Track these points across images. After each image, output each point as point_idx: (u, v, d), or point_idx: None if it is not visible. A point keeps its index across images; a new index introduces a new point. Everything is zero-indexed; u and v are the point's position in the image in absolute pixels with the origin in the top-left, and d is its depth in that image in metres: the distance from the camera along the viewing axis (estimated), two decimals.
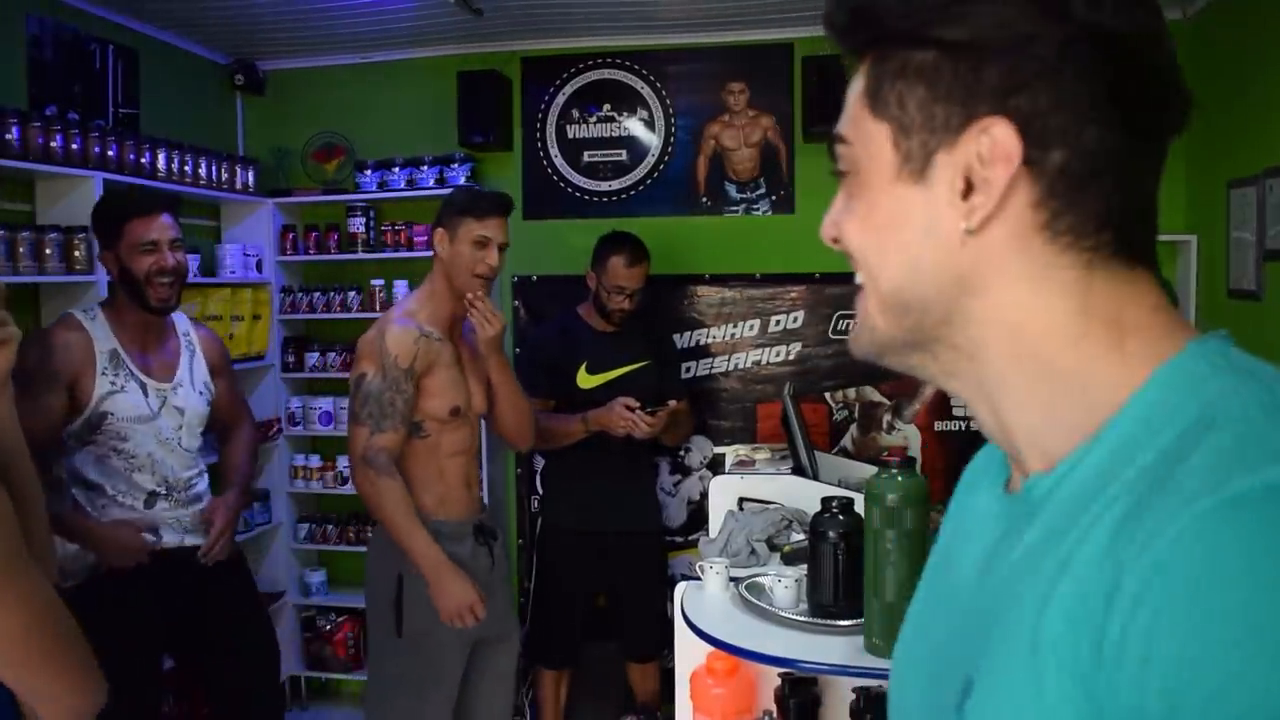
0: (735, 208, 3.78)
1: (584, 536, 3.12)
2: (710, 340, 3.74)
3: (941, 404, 3.63)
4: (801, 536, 2.35)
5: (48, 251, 2.74)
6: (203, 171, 3.46)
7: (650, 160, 3.81)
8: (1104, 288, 0.55)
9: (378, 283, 3.80)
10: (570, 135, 3.86)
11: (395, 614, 2.33)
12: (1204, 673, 0.43)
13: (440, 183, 3.73)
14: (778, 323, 3.70)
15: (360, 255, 3.78)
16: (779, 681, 1.96)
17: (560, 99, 3.85)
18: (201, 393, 2.59)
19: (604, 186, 3.85)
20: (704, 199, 3.79)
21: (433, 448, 2.38)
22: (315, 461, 3.86)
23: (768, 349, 3.71)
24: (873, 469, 2.73)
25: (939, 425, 3.64)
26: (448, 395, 2.37)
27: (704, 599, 2.06)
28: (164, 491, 2.45)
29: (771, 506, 2.55)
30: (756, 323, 3.71)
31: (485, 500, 2.63)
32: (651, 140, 3.81)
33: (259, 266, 3.76)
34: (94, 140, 2.94)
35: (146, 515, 2.40)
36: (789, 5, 3.39)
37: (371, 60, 3.95)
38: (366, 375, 2.28)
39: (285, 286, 3.84)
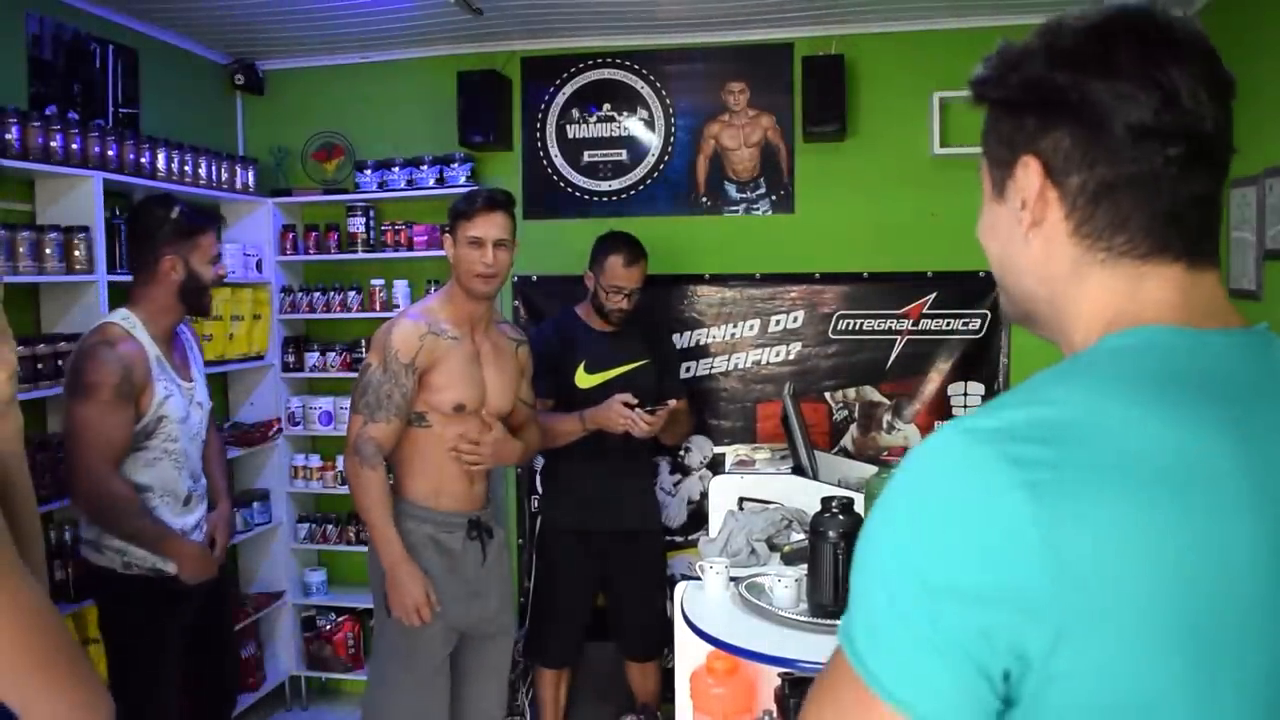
0: (735, 207, 3.78)
1: (583, 536, 3.12)
2: (710, 340, 3.74)
3: (941, 404, 3.63)
4: (801, 536, 2.35)
5: (48, 251, 2.74)
6: (203, 171, 3.47)
7: (650, 160, 3.82)
8: (1104, 279, 0.73)
9: (378, 283, 3.79)
10: (570, 135, 3.86)
11: (385, 598, 2.42)
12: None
13: (440, 182, 3.73)
14: (778, 323, 3.70)
15: (360, 255, 3.79)
16: (779, 681, 1.96)
17: (560, 99, 3.85)
18: (207, 389, 2.66)
19: (604, 186, 3.85)
20: (704, 199, 3.79)
21: (435, 439, 2.43)
22: (315, 461, 3.86)
23: (767, 349, 3.71)
24: (873, 469, 2.75)
25: (939, 425, 3.64)
26: (453, 390, 2.42)
27: (704, 599, 2.06)
28: (195, 491, 2.51)
29: (771, 506, 2.55)
30: (756, 323, 3.71)
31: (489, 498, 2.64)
32: (651, 140, 3.81)
33: (259, 266, 3.76)
34: (94, 140, 2.94)
35: (187, 519, 2.46)
36: (789, 5, 3.39)
37: (371, 60, 3.95)
38: (370, 366, 2.39)
39: (285, 286, 3.84)
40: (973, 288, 3.52)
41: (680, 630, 2.06)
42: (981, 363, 3.59)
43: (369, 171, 3.80)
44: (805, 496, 2.55)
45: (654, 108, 3.80)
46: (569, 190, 3.87)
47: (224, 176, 3.59)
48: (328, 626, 3.86)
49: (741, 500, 2.67)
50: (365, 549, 3.76)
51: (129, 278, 3.11)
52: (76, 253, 2.83)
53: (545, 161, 3.88)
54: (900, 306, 3.62)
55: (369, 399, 2.36)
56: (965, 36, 3.55)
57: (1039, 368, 0.71)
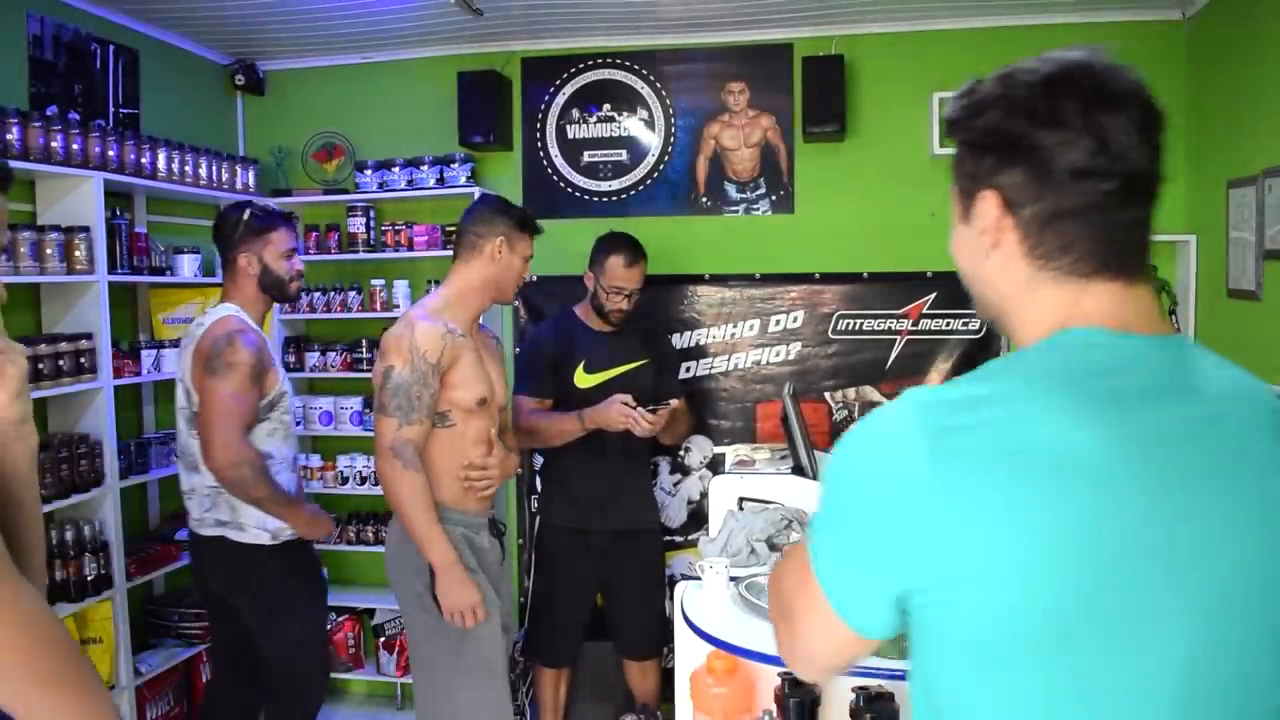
0: (735, 208, 3.78)
1: (583, 535, 3.12)
2: (710, 340, 3.74)
3: None
4: (801, 536, 2.35)
5: (48, 251, 2.75)
6: (203, 172, 3.47)
7: (650, 160, 3.82)
8: (1051, 294, 0.85)
9: (378, 283, 3.80)
10: (570, 135, 3.86)
11: (435, 602, 2.36)
12: None
13: (440, 183, 3.74)
14: (777, 323, 3.71)
15: (360, 255, 3.79)
16: (779, 681, 1.96)
17: (560, 99, 3.85)
18: None
19: (604, 186, 3.85)
20: (704, 199, 3.79)
21: (458, 438, 2.43)
22: (315, 461, 3.86)
23: (767, 349, 3.71)
24: None
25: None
26: (474, 386, 2.44)
27: (704, 599, 2.06)
28: (298, 458, 2.79)
29: (771, 506, 2.55)
30: (756, 323, 3.71)
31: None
32: (651, 140, 3.81)
33: None
34: (94, 140, 2.94)
35: (294, 485, 2.70)
36: (789, 5, 3.40)
37: (371, 60, 3.95)
38: (394, 369, 2.33)
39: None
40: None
41: (680, 630, 2.07)
42: (981, 363, 3.57)
43: (369, 172, 3.80)
44: (805, 496, 2.55)
45: (654, 108, 3.80)
46: (569, 190, 3.87)
47: (224, 177, 3.59)
48: (329, 626, 3.86)
49: (741, 500, 2.67)
50: (367, 548, 3.78)
51: (129, 278, 3.14)
52: (77, 253, 2.83)
53: (545, 162, 3.88)
54: (900, 306, 3.62)
55: (400, 401, 2.32)
56: (965, 36, 3.56)
57: None
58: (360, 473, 3.81)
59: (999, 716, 0.80)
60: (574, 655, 3.26)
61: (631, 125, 3.82)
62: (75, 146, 2.87)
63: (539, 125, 3.87)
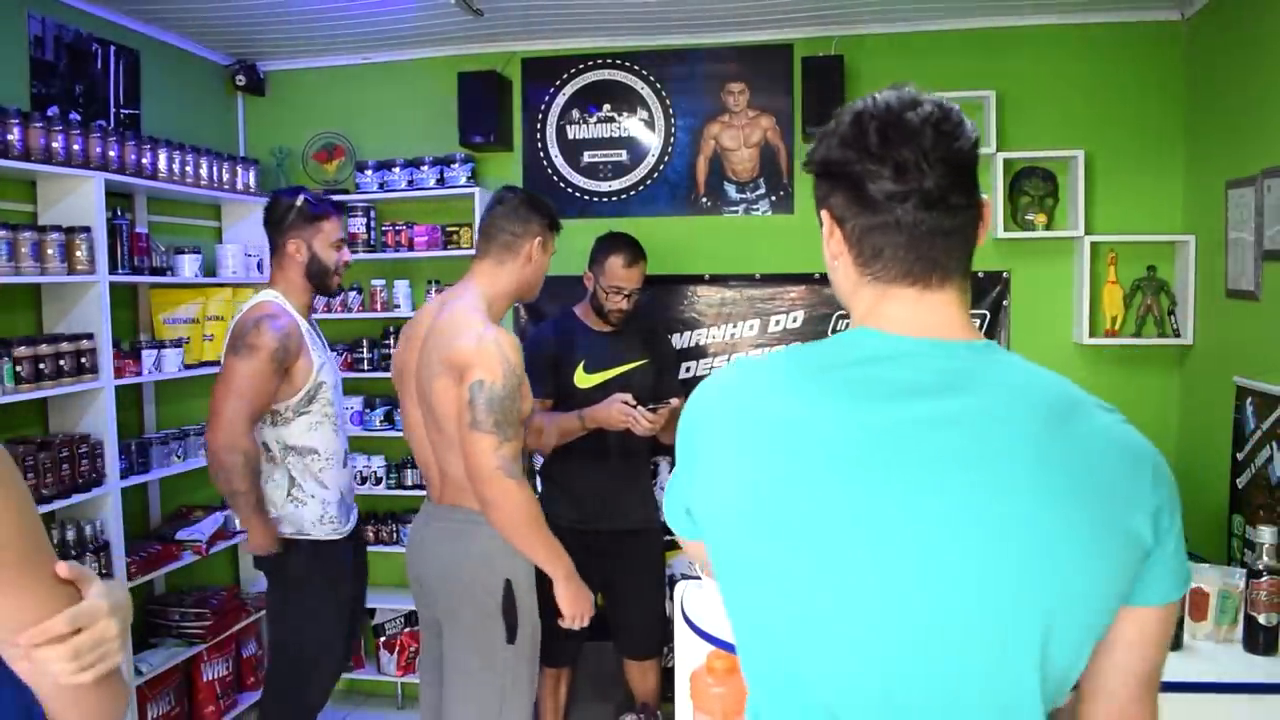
0: (735, 208, 3.79)
1: (581, 534, 3.11)
2: (710, 340, 3.75)
3: None
4: None
5: (49, 252, 2.75)
6: (204, 172, 3.47)
7: (650, 160, 3.82)
8: (867, 293, 1.00)
9: (378, 283, 3.80)
10: (570, 135, 3.86)
11: (506, 621, 2.29)
12: None
13: (440, 183, 3.74)
14: (777, 323, 3.71)
15: (361, 255, 3.79)
16: None
17: (560, 99, 3.86)
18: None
19: (604, 187, 3.86)
20: (704, 199, 3.80)
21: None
22: None
23: (767, 349, 3.71)
24: None
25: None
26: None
27: (704, 599, 2.06)
28: (346, 452, 2.78)
29: None
30: (756, 323, 3.72)
31: None
32: (651, 140, 3.82)
33: (260, 267, 3.76)
34: (95, 140, 2.95)
35: (345, 479, 2.74)
36: (789, 6, 3.40)
37: (372, 61, 3.95)
38: (486, 382, 2.16)
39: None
40: (971, 288, 3.52)
41: (680, 630, 2.07)
42: None
43: (369, 172, 3.80)
44: None
45: (654, 108, 3.81)
46: (569, 191, 3.87)
47: (225, 177, 3.60)
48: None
49: None
50: (368, 548, 3.77)
51: (129, 278, 3.14)
52: (78, 253, 2.84)
53: (545, 162, 3.89)
54: None
55: (498, 418, 2.16)
56: (965, 37, 3.56)
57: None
58: (360, 472, 3.81)
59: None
60: (574, 655, 3.26)
61: (631, 126, 3.83)
62: (76, 147, 2.88)
63: (539, 125, 3.88)
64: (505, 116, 3.82)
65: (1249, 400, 2.81)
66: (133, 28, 3.41)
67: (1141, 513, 0.87)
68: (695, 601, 2.06)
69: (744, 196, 3.77)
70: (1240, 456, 2.86)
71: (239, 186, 3.68)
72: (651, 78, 3.80)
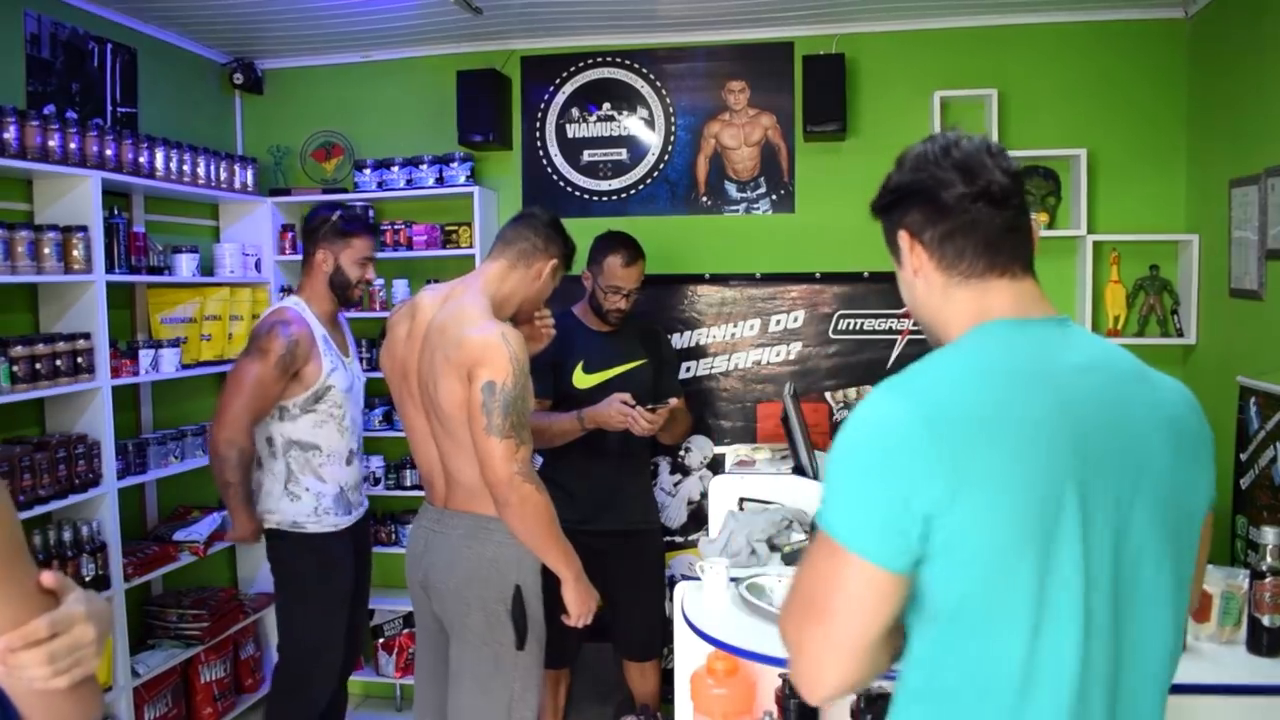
0: (735, 207, 3.77)
1: (582, 536, 3.10)
2: (710, 340, 3.73)
3: None
4: (802, 536, 2.34)
5: (46, 251, 2.73)
6: (201, 170, 3.46)
7: (650, 159, 3.81)
8: (963, 295, 1.10)
9: (377, 282, 3.79)
10: (570, 134, 3.85)
11: (516, 626, 2.26)
12: None
13: (439, 182, 3.73)
14: (778, 322, 3.70)
15: None
16: (779, 681, 1.95)
17: (560, 98, 3.85)
18: (361, 366, 3.04)
19: (604, 186, 3.84)
20: (704, 198, 3.78)
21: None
22: None
23: (768, 349, 3.70)
24: None
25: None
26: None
27: (704, 599, 2.05)
28: (356, 451, 2.89)
29: (771, 506, 2.54)
30: (756, 322, 3.70)
31: None
32: (651, 139, 3.80)
33: (258, 266, 3.75)
34: (92, 139, 2.93)
35: (348, 476, 2.85)
36: (789, 4, 3.39)
37: (371, 59, 3.94)
38: (497, 384, 2.09)
39: (284, 286, 3.83)
40: None
41: (680, 630, 2.06)
42: None
43: (368, 171, 3.79)
44: (805, 496, 2.54)
45: (654, 107, 3.79)
46: (568, 190, 3.86)
47: (223, 176, 3.58)
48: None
49: (741, 500, 2.66)
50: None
51: (127, 277, 3.13)
52: (75, 252, 2.82)
53: (545, 161, 3.87)
54: (901, 306, 3.59)
55: (513, 420, 2.11)
56: (965, 36, 3.55)
57: None
58: None
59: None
60: (574, 656, 3.25)
61: (631, 124, 3.81)
62: (73, 145, 2.86)
63: (539, 124, 3.86)
64: (504, 115, 3.80)
65: (1253, 400, 2.79)
66: (130, 25, 3.40)
67: (1206, 448, 1.10)
68: (695, 602, 2.05)
69: (744, 195, 3.76)
70: (1244, 457, 2.84)
71: (237, 185, 3.67)
72: (652, 76, 3.79)
